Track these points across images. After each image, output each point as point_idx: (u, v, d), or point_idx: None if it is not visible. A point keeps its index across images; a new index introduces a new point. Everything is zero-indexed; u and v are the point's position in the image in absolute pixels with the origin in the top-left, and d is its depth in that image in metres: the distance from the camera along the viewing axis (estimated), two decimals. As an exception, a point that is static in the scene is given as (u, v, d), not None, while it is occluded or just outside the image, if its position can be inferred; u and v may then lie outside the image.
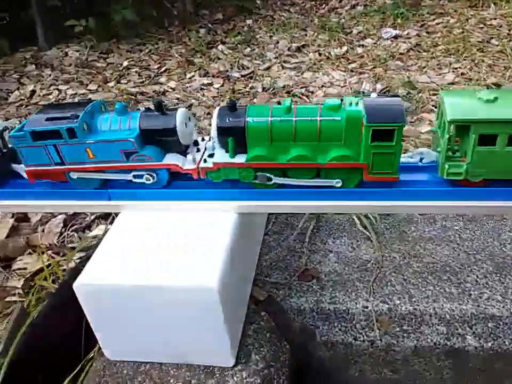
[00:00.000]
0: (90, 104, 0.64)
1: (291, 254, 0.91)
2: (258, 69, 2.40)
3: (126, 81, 2.32)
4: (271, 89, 2.14)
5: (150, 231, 0.69)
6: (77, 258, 1.08)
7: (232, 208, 0.70)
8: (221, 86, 2.22)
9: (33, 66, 2.46)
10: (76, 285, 0.62)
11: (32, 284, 1.04)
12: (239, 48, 2.75)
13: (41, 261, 1.11)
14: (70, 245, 1.17)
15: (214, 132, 0.61)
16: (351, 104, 0.59)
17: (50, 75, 2.37)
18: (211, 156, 0.63)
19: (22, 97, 2.13)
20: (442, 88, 2.01)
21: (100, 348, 0.71)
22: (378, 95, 0.58)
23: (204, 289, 0.60)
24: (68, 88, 2.20)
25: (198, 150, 0.67)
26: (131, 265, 0.64)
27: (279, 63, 2.49)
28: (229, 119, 0.59)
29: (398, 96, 0.58)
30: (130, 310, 0.64)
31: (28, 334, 0.72)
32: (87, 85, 2.25)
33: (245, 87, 2.21)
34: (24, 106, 2.04)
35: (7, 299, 1.01)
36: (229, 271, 0.63)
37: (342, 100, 0.60)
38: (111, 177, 0.66)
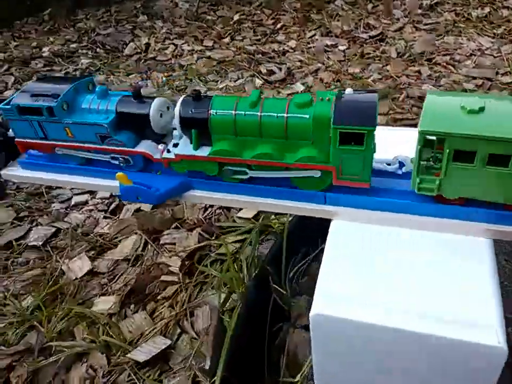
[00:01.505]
0: (75, 83, 0.64)
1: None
2: (388, 30, 2.12)
3: (241, 38, 2.16)
4: (407, 55, 1.88)
5: (381, 251, 0.55)
6: (232, 242, 0.99)
7: (486, 233, 0.55)
8: (347, 49, 1.99)
9: (145, 17, 2.37)
10: (312, 314, 0.51)
11: (187, 264, 0.98)
12: (360, 3, 2.46)
13: (191, 239, 1.04)
14: (217, 224, 1.08)
15: (177, 122, 0.58)
16: (322, 100, 0.53)
17: (162, 27, 2.27)
18: (176, 145, 0.60)
19: (138, 50, 2.05)
20: None
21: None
22: (354, 91, 0.53)
23: (488, 347, 0.45)
24: (183, 43, 2.09)
25: None
26: (373, 298, 0.50)
27: (410, 23, 2.19)
28: (191, 110, 0.56)
29: (375, 92, 0.52)
30: (365, 349, 0.52)
31: (230, 348, 0.64)
32: (202, 40, 2.12)
33: (374, 51, 1.96)
34: (142, 61, 1.96)
35: (163, 278, 0.96)
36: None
37: (312, 96, 0.54)
38: (92, 156, 0.67)
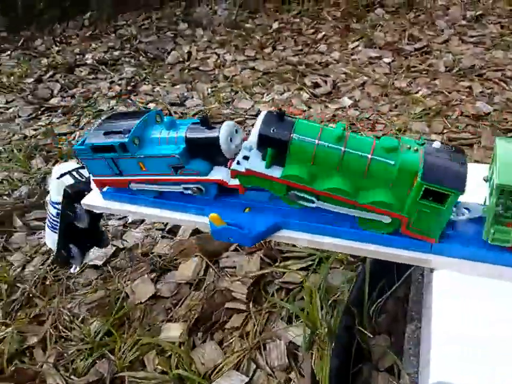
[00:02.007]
0: (143, 116, 0.65)
1: None
2: (433, 42, 2.07)
3: (282, 48, 2.13)
4: (456, 69, 1.83)
5: (502, 308, 0.52)
6: (297, 269, 0.97)
7: None
8: (392, 61, 1.95)
9: (186, 24, 2.36)
10: (434, 382, 0.48)
11: (252, 289, 0.96)
12: (401, 13, 2.41)
13: (252, 264, 1.02)
14: (276, 247, 1.07)
15: (254, 136, 0.57)
16: (409, 149, 0.53)
17: (203, 36, 2.26)
18: (246, 158, 0.59)
19: (181, 59, 2.05)
20: None
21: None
22: (441, 145, 0.52)
23: None
24: (225, 53, 2.08)
25: None
26: (501, 365, 0.48)
27: (455, 35, 2.13)
28: (273, 130, 0.55)
29: (463, 152, 0.52)
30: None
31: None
32: (243, 50, 2.11)
33: (421, 64, 1.92)
34: (186, 70, 1.95)
35: (228, 305, 0.94)
36: None
37: (399, 141, 0.54)
38: (164, 189, 0.67)
